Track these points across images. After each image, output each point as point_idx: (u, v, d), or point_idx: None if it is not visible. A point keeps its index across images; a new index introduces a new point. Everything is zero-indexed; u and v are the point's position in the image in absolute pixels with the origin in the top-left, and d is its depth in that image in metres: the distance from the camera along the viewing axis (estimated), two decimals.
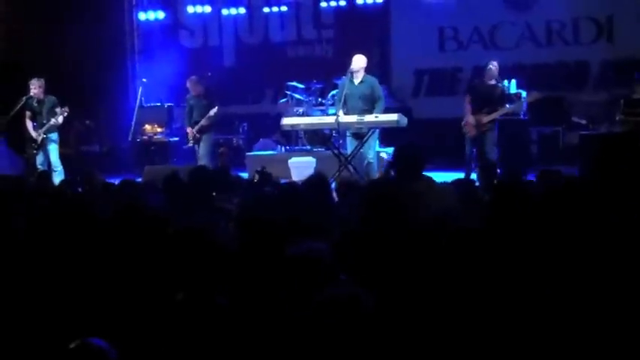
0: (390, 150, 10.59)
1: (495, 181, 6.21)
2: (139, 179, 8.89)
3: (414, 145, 5.63)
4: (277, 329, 2.93)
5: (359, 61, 9.59)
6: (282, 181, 7.73)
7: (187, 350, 3.00)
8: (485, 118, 9.70)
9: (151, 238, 3.86)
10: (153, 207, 5.25)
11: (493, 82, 9.81)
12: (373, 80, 9.72)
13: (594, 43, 13.05)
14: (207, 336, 3.01)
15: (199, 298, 3.17)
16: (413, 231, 3.38)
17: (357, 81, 9.60)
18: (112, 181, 7.81)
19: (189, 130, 11.19)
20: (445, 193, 4.77)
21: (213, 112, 11.08)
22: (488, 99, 9.73)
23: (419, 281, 2.94)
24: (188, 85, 11.40)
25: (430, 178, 5.15)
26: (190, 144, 11.23)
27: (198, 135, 11.11)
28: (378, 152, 10.72)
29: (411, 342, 2.77)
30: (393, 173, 6.17)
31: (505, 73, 11.67)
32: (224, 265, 3.62)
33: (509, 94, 9.92)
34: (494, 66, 9.80)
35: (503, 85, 9.95)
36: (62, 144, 11.78)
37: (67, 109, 10.68)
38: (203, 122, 11.08)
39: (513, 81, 11.68)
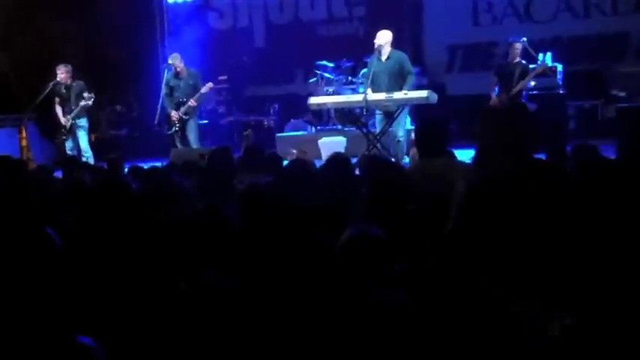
0: None
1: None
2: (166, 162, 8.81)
3: (438, 120, 5.42)
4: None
5: (383, 37, 9.34)
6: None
7: (191, 337, 2.87)
8: (506, 97, 9.94)
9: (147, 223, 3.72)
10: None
11: (517, 60, 10.08)
12: (401, 55, 9.46)
13: (635, 14, 12.61)
14: (210, 322, 2.87)
15: (201, 284, 3.03)
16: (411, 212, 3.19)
17: (383, 57, 9.37)
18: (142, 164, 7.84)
19: (173, 113, 10.46)
20: (464, 171, 4.54)
21: (206, 88, 10.48)
22: (511, 78, 9.98)
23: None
24: (171, 62, 10.65)
25: (450, 155, 4.93)
26: (176, 129, 10.48)
27: (185, 117, 10.46)
28: (409, 130, 10.51)
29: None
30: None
31: (541, 46, 11.38)
32: (231, 247, 3.49)
33: (531, 70, 10.04)
34: (516, 47, 10.10)
35: (524, 63, 10.12)
36: (93, 129, 11.77)
37: (92, 94, 10.60)
38: (192, 102, 10.43)
39: (549, 54, 11.34)
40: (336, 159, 5.30)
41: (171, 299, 3.07)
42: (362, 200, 4.51)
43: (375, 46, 9.31)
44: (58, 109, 10.83)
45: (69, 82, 10.75)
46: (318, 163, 6.22)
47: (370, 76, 9.26)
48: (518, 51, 10.08)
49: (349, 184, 5.09)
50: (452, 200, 3.20)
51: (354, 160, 6.20)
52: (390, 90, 9.14)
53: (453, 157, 4.99)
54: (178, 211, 4.31)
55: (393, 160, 7.58)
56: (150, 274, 3.44)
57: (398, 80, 9.28)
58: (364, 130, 9.60)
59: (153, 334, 2.93)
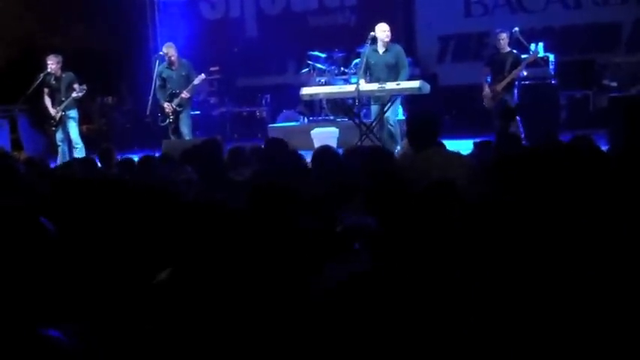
0: None
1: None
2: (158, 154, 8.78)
3: (428, 111, 5.44)
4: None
5: (385, 30, 9.36)
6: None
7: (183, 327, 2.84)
8: (499, 86, 9.89)
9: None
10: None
11: (507, 49, 10.05)
12: (398, 48, 9.51)
13: (626, 4, 12.64)
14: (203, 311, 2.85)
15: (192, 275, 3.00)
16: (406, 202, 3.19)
17: (381, 50, 9.39)
18: (134, 156, 7.82)
19: (166, 105, 10.37)
20: (453, 162, 4.54)
21: (198, 79, 10.40)
22: (502, 67, 9.94)
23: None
24: (165, 52, 10.52)
25: (441, 146, 4.95)
26: (169, 121, 10.39)
27: (179, 109, 10.38)
28: (401, 120, 10.52)
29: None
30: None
31: (533, 36, 11.38)
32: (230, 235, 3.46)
33: (523, 60, 10.03)
34: (502, 37, 10.02)
35: (516, 53, 10.06)
36: (85, 120, 11.71)
37: (84, 86, 10.53)
38: (184, 94, 10.34)
39: (541, 44, 11.35)
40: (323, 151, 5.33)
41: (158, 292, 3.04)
42: (349, 191, 4.50)
43: (382, 37, 9.32)
44: (47, 100, 10.73)
45: (59, 73, 10.66)
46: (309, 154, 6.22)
47: (365, 68, 9.29)
48: (505, 41, 10.02)
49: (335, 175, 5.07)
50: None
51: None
52: (386, 82, 9.16)
53: (443, 147, 5.00)
54: (172, 202, 4.30)
55: (384, 149, 7.58)
56: (140, 265, 3.41)
57: (394, 73, 9.32)
58: (356, 120, 9.59)
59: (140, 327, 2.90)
